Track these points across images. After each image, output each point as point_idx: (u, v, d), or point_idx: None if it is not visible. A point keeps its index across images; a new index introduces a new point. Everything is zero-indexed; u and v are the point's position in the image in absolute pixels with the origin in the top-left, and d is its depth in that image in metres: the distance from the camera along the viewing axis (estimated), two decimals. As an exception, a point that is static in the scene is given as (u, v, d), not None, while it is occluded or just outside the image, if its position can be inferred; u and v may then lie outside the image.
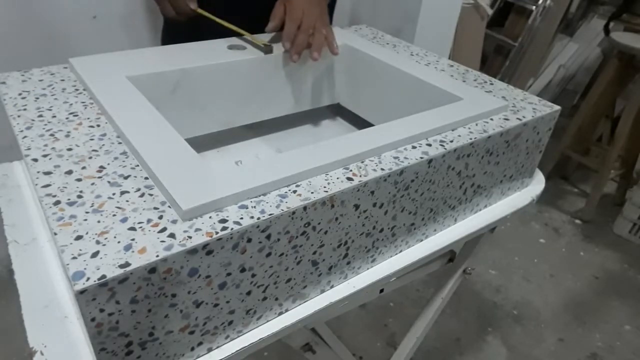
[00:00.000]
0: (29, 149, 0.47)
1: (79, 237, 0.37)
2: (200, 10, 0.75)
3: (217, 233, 0.38)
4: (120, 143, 0.49)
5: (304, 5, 0.72)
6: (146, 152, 0.45)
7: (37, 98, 0.56)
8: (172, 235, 0.38)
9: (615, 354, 1.45)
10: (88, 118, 0.53)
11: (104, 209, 0.40)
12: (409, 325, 0.91)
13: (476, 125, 0.59)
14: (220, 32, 0.75)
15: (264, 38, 0.74)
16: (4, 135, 0.57)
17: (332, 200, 0.45)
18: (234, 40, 0.74)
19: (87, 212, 0.39)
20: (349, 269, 0.53)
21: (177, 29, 0.79)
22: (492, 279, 1.69)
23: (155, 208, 0.40)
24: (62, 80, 0.61)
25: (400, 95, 0.73)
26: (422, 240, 0.61)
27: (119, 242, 0.36)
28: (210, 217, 0.40)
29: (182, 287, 0.38)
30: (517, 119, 0.62)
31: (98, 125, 0.52)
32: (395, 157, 0.51)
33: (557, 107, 0.67)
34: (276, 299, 0.47)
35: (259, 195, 0.43)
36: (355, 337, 1.42)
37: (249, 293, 0.44)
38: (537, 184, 0.76)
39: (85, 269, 0.34)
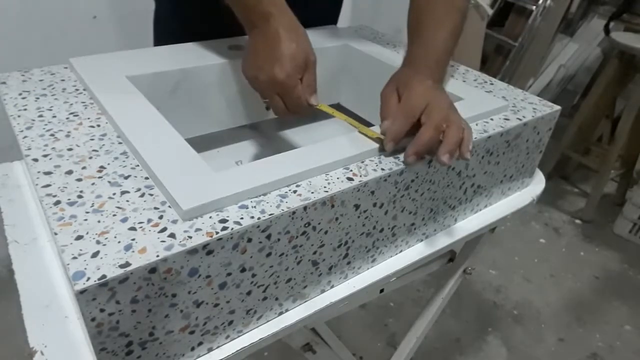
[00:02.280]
0: (29, 149, 0.47)
1: (79, 237, 0.37)
2: (322, 107, 0.60)
3: (217, 233, 0.38)
4: (120, 143, 0.49)
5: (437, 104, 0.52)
6: (146, 152, 0.45)
7: (38, 98, 0.56)
8: (172, 235, 0.38)
9: (615, 354, 1.45)
10: (88, 118, 0.53)
11: (104, 209, 0.40)
12: (409, 325, 0.91)
13: (476, 125, 0.59)
14: (218, 33, 0.74)
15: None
16: (4, 135, 0.57)
17: (332, 200, 0.45)
18: (234, 40, 0.74)
19: (87, 212, 0.39)
20: (349, 269, 0.53)
21: (171, 28, 0.77)
22: (492, 279, 1.69)
23: (156, 208, 0.40)
24: (63, 80, 0.61)
25: (400, 95, 0.73)
26: (422, 240, 0.61)
27: (119, 242, 0.36)
28: (210, 217, 0.40)
29: (182, 287, 0.38)
30: (517, 119, 0.62)
31: (98, 125, 0.52)
32: (395, 157, 0.51)
33: (557, 107, 0.67)
34: (276, 299, 0.47)
35: (259, 195, 0.43)
36: (355, 337, 1.42)
37: (249, 293, 0.44)
38: (537, 184, 0.76)
39: (85, 268, 0.34)
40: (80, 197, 0.41)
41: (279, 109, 0.59)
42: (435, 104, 0.52)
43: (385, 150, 0.51)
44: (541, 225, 1.99)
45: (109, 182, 0.43)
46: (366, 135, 0.52)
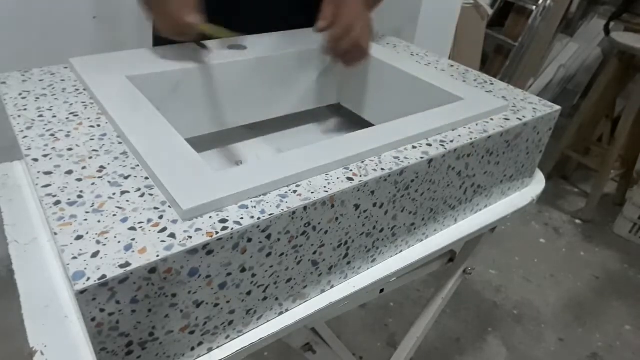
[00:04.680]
0: (30, 149, 0.47)
1: (79, 237, 0.37)
2: (203, 26, 0.62)
3: (217, 233, 0.38)
4: (120, 143, 0.49)
5: (355, 13, 0.67)
6: (146, 152, 0.45)
7: (38, 98, 0.56)
8: (172, 235, 0.38)
9: (615, 354, 1.45)
10: (88, 118, 0.53)
11: (104, 209, 0.40)
12: (409, 325, 0.91)
13: (476, 125, 0.59)
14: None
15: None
16: (5, 135, 0.57)
17: (332, 200, 0.45)
18: (234, 40, 0.74)
19: (87, 212, 0.39)
20: (349, 269, 0.53)
21: None
22: (492, 279, 1.69)
23: (156, 208, 0.40)
24: (62, 80, 0.61)
25: (400, 95, 0.73)
26: (422, 240, 0.61)
27: (119, 242, 0.36)
28: (210, 217, 0.40)
29: (183, 287, 0.38)
30: (518, 119, 0.62)
31: (98, 125, 0.52)
32: (395, 157, 0.51)
33: (557, 107, 0.67)
34: (276, 299, 0.47)
35: (259, 195, 0.43)
36: (355, 337, 1.42)
37: (249, 293, 0.44)
38: (537, 184, 0.76)
39: (85, 269, 0.34)
40: (80, 197, 0.41)
41: (162, 28, 0.63)
42: (357, 22, 0.67)
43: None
44: (541, 225, 1.99)
45: (109, 182, 0.43)
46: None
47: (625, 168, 2.09)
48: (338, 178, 0.46)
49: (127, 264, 0.35)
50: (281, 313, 0.49)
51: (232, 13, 0.76)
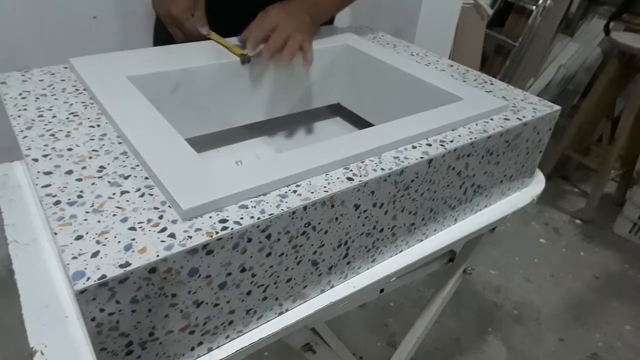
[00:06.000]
0: (29, 149, 0.47)
1: (79, 237, 0.37)
2: (212, 35, 0.73)
3: (217, 233, 0.38)
4: (120, 143, 0.49)
5: (279, 17, 0.69)
6: (146, 152, 0.45)
7: (38, 98, 0.56)
8: (172, 235, 0.38)
9: (615, 354, 1.45)
10: (88, 118, 0.53)
11: (104, 209, 0.40)
12: (409, 325, 0.91)
13: (476, 125, 0.59)
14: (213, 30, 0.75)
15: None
16: (5, 135, 0.57)
17: (332, 200, 0.45)
18: (235, 41, 0.74)
19: (87, 212, 0.39)
20: (349, 269, 0.53)
21: (169, 36, 0.79)
22: (492, 279, 1.69)
23: (156, 208, 0.40)
24: (63, 80, 0.61)
25: (400, 95, 0.73)
26: (422, 240, 0.61)
27: (119, 242, 0.36)
28: (210, 217, 0.40)
29: (182, 287, 0.38)
30: (517, 119, 0.62)
31: (98, 125, 0.52)
32: (395, 157, 0.51)
33: (557, 107, 0.67)
34: (276, 299, 0.47)
35: (259, 195, 0.43)
36: (355, 337, 1.42)
37: (249, 293, 0.44)
38: (537, 183, 0.76)
39: (85, 268, 0.34)
40: (80, 197, 0.41)
41: (177, 36, 0.74)
42: (283, 24, 0.68)
43: (246, 62, 0.69)
44: (541, 225, 1.99)
45: (109, 182, 0.43)
46: (233, 52, 0.69)
47: (625, 168, 2.09)
48: (338, 178, 0.46)
49: (127, 264, 0.35)
50: (281, 313, 0.49)
51: (234, 13, 0.76)
